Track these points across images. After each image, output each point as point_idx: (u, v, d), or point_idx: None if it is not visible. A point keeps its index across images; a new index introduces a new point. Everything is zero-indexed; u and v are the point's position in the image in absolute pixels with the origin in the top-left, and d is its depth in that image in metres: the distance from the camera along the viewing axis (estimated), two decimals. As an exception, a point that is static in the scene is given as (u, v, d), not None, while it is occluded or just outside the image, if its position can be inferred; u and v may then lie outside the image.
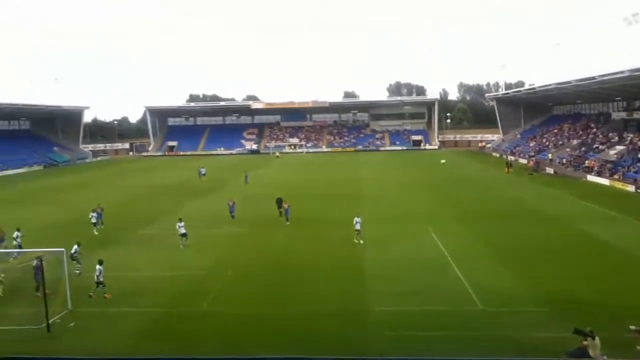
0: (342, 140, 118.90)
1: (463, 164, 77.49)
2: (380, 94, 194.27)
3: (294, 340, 17.51)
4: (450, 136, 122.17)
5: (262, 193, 48.31)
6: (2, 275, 22.48)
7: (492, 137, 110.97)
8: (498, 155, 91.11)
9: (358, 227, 29.72)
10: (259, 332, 18.29)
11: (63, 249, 22.14)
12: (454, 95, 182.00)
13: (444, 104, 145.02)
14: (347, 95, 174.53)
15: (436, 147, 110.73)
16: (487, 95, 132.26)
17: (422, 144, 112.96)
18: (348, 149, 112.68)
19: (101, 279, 22.12)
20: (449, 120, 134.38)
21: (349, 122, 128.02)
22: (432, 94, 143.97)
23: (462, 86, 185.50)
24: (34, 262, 21.90)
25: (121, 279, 24.12)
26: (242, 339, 17.70)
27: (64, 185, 62.34)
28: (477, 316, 19.04)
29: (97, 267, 22.38)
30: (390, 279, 23.37)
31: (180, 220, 30.69)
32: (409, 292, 21.59)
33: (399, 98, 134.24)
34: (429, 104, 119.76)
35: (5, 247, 28.12)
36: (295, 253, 28.29)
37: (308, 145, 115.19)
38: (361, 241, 29.51)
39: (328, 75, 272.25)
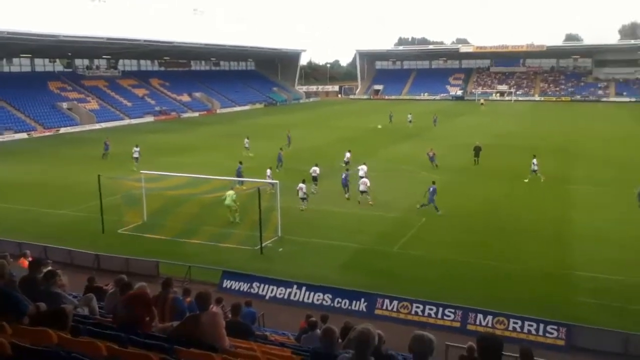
0: (557, 88, 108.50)
1: None
2: (609, 37, 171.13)
3: (480, 290, 17.43)
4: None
5: (462, 142, 47.17)
6: (238, 203, 24.98)
7: None
8: None
9: (536, 168, 32.49)
10: (445, 278, 18.57)
11: (277, 181, 24.92)
12: None
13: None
14: (569, 38, 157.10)
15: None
16: None
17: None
18: (563, 99, 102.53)
19: (304, 195, 26.52)
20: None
21: (568, 68, 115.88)
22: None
23: None
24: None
25: (323, 213, 26.38)
26: (428, 284, 18.07)
27: (279, 123, 68.17)
28: None
29: (301, 185, 26.50)
30: (600, 244, 21.48)
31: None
32: (621, 259, 19.71)
33: (632, 41, 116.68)
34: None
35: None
36: (493, 205, 27.54)
37: (518, 93, 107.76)
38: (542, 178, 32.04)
39: (548, 16, 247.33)
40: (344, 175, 29.41)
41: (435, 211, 25.74)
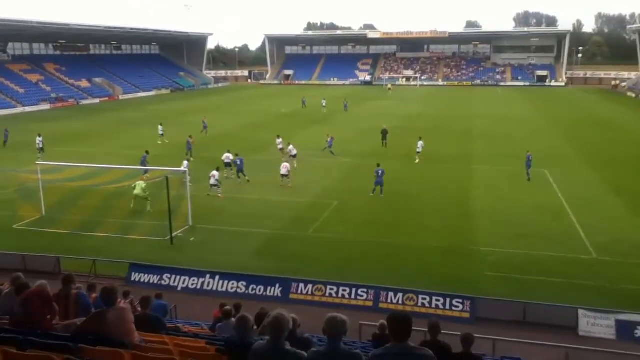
0: (459, 73, 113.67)
1: (591, 102, 71.64)
2: (505, 25, 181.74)
3: (392, 269, 17.98)
4: (580, 73, 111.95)
5: (371, 126, 48.21)
6: (148, 192, 24.24)
7: (630, 75, 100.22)
8: (634, 95, 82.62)
9: (420, 149, 34.19)
10: (357, 259, 18.98)
11: (186, 170, 24.20)
12: (589, 27, 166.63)
13: (577, 37, 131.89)
14: (469, 25, 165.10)
15: (563, 83, 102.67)
16: (629, 27, 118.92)
17: (547, 80, 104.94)
18: (464, 83, 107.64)
19: (214, 182, 26.22)
20: (580, 55, 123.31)
21: (469, 54, 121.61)
22: (564, 25, 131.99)
23: (600, 16, 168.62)
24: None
25: (235, 200, 26.03)
26: (343, 265, 18.42)
27: (188, 109, 66.21)
28: (589, 265, 18.29)
29: (214, 172, 26.26)
30: (497, 220, 22.88)
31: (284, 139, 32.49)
32: (516, 234, 21.10)
33: (525, 29, 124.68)
34: (560, 37, 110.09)
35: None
36: (401, 186, 28.29)
37: (423, 78, 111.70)
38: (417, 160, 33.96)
39: (450, 3, 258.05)
40: (238, 162, 29.52)
41: (377, 192, 26.17)
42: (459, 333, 8.31)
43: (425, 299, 15.37)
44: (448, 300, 15.25)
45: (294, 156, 32.63)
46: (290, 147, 33.03)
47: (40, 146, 36.11)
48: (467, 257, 19.11)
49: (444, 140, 41.32)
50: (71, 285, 8.83)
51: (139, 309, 10.69)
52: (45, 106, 71.69)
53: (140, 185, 24.03)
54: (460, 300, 15.17)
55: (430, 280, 16.90)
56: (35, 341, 5.95)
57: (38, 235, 21.21)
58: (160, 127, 42.67)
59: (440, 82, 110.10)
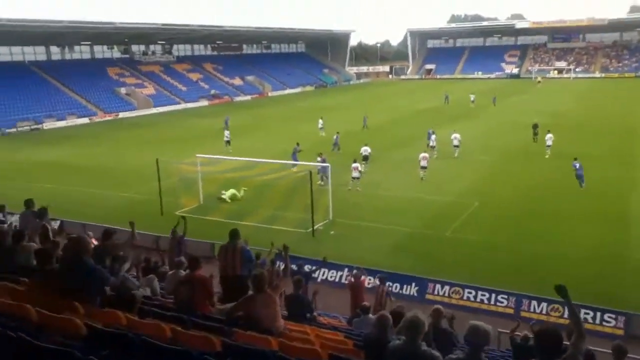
0: (620, 64, 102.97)
1: None
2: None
3: (535, 278, 16.83)
4: None
5: (517, 121, 45.83)
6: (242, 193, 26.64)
7: None
8: None
9: (549, 143, 32.97)
10: (499, 265, 18.22)
11: (328, 165, 25.15)
12: None
13: None
14: (634, 10, 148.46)
15: None
16: None
17: None
18: (626, 75, 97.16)
19: (357, 175, 27.08)
20: None
21: (633, 42, 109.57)
22: None
23: None
24: None
25: (373, 196, 26.43)
26: (481, 269, 17.81)
27: (330, 106, 68.09)
28: None
29: (356, 164, 27.44)
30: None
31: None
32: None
33: None
34: None
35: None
36: (549, 189, 26.66)
37: (577, 69, 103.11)
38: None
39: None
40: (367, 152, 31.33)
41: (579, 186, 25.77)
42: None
43: (572, 311, 14.33)
44: (599, 314, 14.11)
45: (457, 146, 33.71)
46: (454, 135, 34.01)
47: (227, 139, 39.14)
48: (621, 267, 17.50)
49: (599, 139, 38.01)
50: (237, 240, 10.43)
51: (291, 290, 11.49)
52: (204, 102, 78.22)
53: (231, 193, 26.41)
54: (613, 316, 13.98)
55: (578, 292, 15.61)
56: (197, 322, 6.61)
57: (196, 222, 23.28)
58: (320, 121, 44.50)
59: (597, 74, 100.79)
